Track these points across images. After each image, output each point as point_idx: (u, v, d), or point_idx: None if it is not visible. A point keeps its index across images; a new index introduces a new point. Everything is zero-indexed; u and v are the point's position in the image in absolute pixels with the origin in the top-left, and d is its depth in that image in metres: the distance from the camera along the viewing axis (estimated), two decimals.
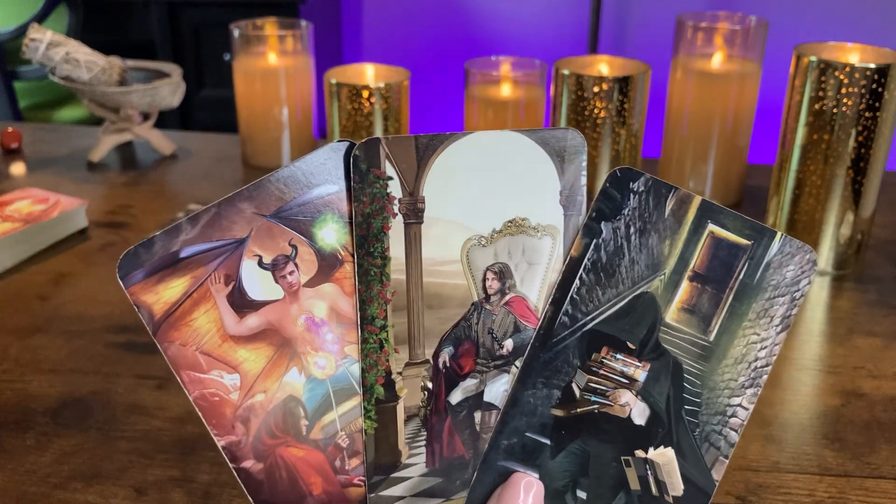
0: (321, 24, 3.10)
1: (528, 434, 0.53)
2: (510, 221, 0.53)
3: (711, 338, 0.53)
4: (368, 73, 1.28)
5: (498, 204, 0.53)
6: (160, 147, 1.48)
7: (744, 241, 0.53)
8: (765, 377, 0.52)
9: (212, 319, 0.51)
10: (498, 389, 0.54)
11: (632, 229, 0.53)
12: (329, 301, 0.52)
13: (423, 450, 0.53)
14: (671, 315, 0.53)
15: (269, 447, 0.51)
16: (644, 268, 0.53)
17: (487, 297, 0.54)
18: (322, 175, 0.52)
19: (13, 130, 1.50)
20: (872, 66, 1.00)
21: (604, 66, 1.20)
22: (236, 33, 1.40)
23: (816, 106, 1.04)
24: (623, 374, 0.53)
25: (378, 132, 1.23)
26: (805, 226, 1.09)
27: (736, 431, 0.52)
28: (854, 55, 1.08)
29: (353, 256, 0.52)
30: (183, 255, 0.50)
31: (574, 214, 0.54)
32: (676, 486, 0.52)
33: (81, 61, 1.37)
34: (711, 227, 0.53)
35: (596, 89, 1.13)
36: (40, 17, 2.65)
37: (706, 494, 0.53)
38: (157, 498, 0.72)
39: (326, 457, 0.52)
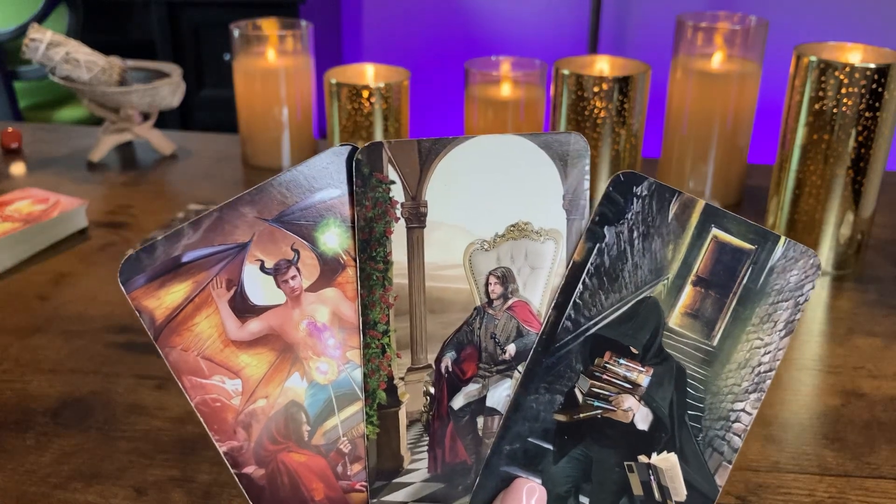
0: (321, 24, 3.10)
1: (530, 439, 0.53)
2: (513, 226, 0.53)
3: (715, 342, 0.52)
4: (368, 73, 1.28)
5: (501, 208, 0.53)
6: (160, 147, 1.48)
7: (747, 246, 0.53)
8: (768, 382, 0.52)
9: (213, 324, 0.50)
10: (500, 394, 0.54)
11: (635, 234, 0.53)
12: (331, 306, 0.52)
13: (426, 455, 0.53)
14: (674, 320, 0.53)
15: (271, 453, 0.51)
16: (647, 272, 0.53)
17: (490, 302, 0.53)
18: (324, 179, 0.51)
19: (13, 130, 1.50)
20: (872, 66, 1.00)
21: (604, 66, 1.19)
22: (236, 33, 1.40)
23: (816, 106, 1.04)
24: (626, 379, 0.53)
25: (378, 132, 1.23)
26: (805, 226, 1.09)
27: (739, 437, 0.52)
28: (854, 55, 1.08)
29: (355, 261, 0.52)
30: (185, 259, 0.50)
31: (577, 219, 0.54)
32: (679, 492, 0.52)
33: (81, 61, 1.37)
34: (715, 231, 0.53)
35: (596, 89, 1.13)
36: (40, 17, 2.65)
37: (709, 500, 0.52)
38: (157, 498, 0.72)
39: (328, 462, 0.52)
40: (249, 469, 0.51)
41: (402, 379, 0.53)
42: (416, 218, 0.52)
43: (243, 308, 0.51)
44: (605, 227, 0.53)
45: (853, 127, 1.02)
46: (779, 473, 0.76)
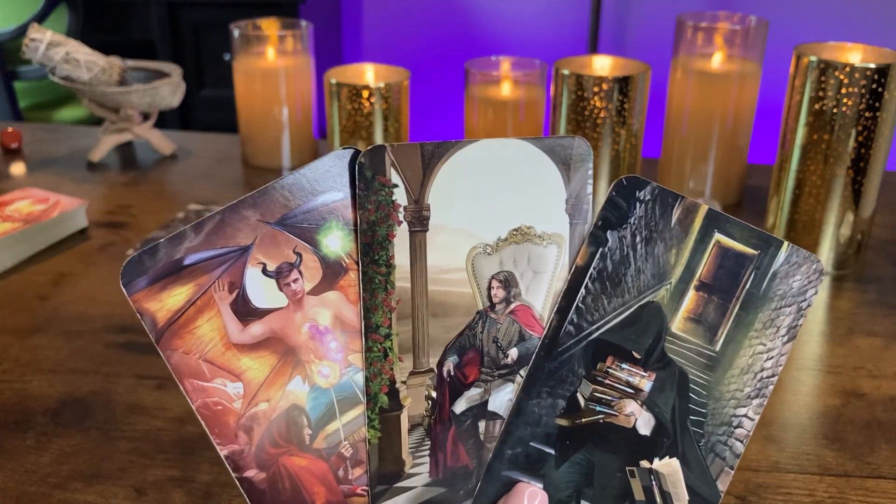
0: (321, 24, 3.10)
1: (532, 444, 0.53)
2: (516, 230, 0.53)
3: (717, 348, 0.52)
4: (368, 73, 1.28)
5: (503, 212, 0.53)
6: (160, 147, 1.48)
7: (750, 251, 0.52)
8: (771, 388, 0.52)
9: (215, 327, 0.50)
10: (502, 399, 0.53)
11: (638, 238, 0.53)
12: (333, 309, 0.52)
13: (427, 459, 0.53)
14: (677, 325, 0.53)
15: (272, 456, 0.51)
16: (650, 277, 0.53)
17: (492, 306, 0.53)
18: (327, 182, 0.51)
19: (13, 130, 1.50)
20: (872, 66, 0.99)
21: (604, 66, 1.19)
22: (236, 33, 1.40)
23: (816, 106, 1.04)
24: (628, 384, 0.52)
25: (378, 132, 1.23)
26: (805, 226, 1.09)
27: (741, 442, 0.52)
28: (854, 55, 1.08)
29: (357, 264, 0.52)
30: (187, 262, 0.50)
31: (580, 223, 0.54)
32: (681, 497, 0.52)
33: (81, 61, 1.37)
34: (718, 236, 0.53)
35: (596, 89, 1.13)
36: (40, 17, 2.65)
37: None
38: (157, 498, 0.72)
39: (330, 466, 0.52)
40: (251, 473, 0.51)
41: (403, 383, 0.53)
42: (419, 221, 0.52)
43: (245, 311, 0.51)
44: (608, 231, 0.53)
45: (853, 127, 1.02)
46: (779, 473, 0.76)
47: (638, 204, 0.53)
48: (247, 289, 0.51)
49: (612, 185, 0.53)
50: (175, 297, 0.50)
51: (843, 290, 1.07)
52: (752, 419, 0.52)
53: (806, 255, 0.52)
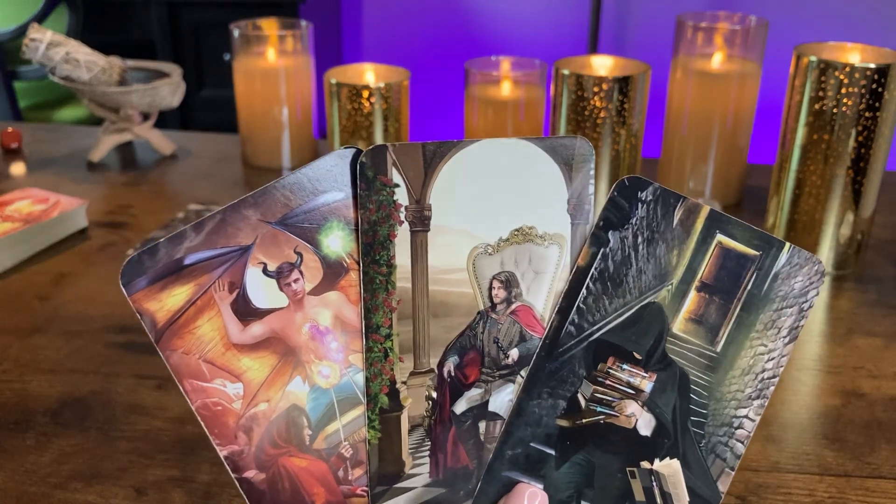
0: (321, 24, 3.10)
1: (532, 444, 0.53)
2: (517, 230, 0.53)
3: (718, 349, 0.52)
4: (368, 73, 1.28)
5: (505, 212, 0.53)
6: (160, 147, 1.48)
7: (752, 252, 0.52)
8: (772, 388, 0.52)
9: (215, 327, 0.50)
10: (503, 399, 0.53)
11: (639, 239, 0.53)
12: (334, 309, 0.52)
13: (427, 460, 0.53)
14: (678, 325, 0.53)
15: (272, 457, 0.51)
16: (651, 277, 0.53)
17: (493, 306, 0.53)
18: (328, 182, 0.51)
19: (13, 130, 1.50)
20: (872, 66, 0.99)
21: (604, 66, 1.19)
22: (236, 33, 1.40)
23: (816, 106, 1.03)
24: (629, 385, 0.52)
25: (378, 132, 1.23)
26: (805, 226, 1.09)
27: (742, 443, 0.52)
28: (854, 55, 1.08)
29: (358, 264, 0.52)
30: (187, 262, 0.50)
31: (581, 223, 0.54)
32: (682, 498, 0.52)
33: (81, 61, 1.37)
34: (720, 237, 0.52)
35: (596, 89, 1.13)
36: (40, 17, 2.64)
37: None
38: (157, 498, 0.72)
39: (329, 467, 0.52)
40: (250, 473, 0.51)
41: (404, 383, 0.53)
42: (420, 221, 0.52)
43: (245, 311, 0.51)
44: (610, 231, 0.53)
45: (853, 127, 1.02)
46: (779, 473, 0.76)
47: (640, 204, 0.53)
48: (247, 289, 0.51)
49: (613, 186, 0.53)
50: (175, 297, 0.50)
51: (843, 290, 1.07)
52: (752, 420, 0.52)
53: (807, 256, 0.52)
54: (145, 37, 3.07)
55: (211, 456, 0.76)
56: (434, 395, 0.53)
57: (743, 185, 1.32)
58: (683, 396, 0.52)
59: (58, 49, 1.36)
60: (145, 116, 1.49)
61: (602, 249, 0.53)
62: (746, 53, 1.25)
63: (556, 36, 3.23)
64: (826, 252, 1.09)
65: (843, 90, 1.01)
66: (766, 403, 0.52)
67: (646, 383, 0.52)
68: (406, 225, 0.52)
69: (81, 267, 1.10)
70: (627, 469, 0.52)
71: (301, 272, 0.51)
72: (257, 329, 0.51)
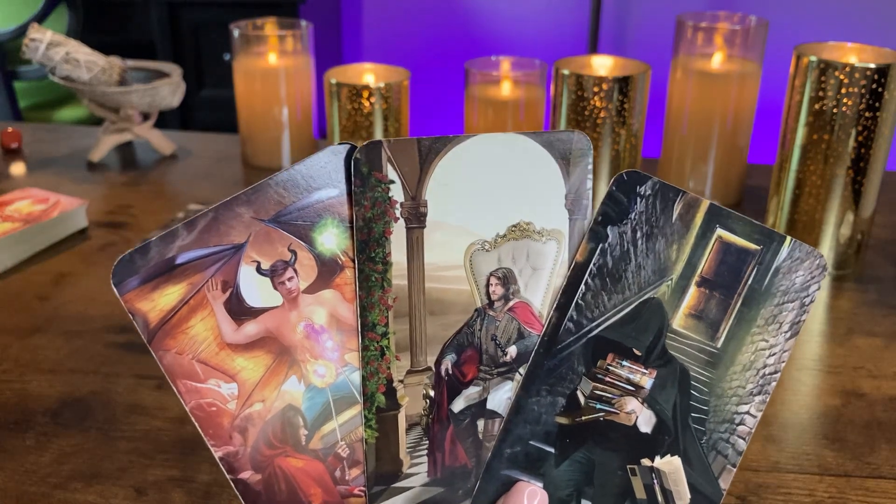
0: (321, 24, 3.10)
1: (531, 442, 0.52)
2: (514, 226, 0.52)
3: (719, 344, 0.52)
4: (368, 73, 1.27)
5: (502, 208, 0.52)
6: (160, 147, 1.47)
7: (752, 246, 0.52)
8: (773, 384, 0.52)
9: (209, 327, 0.50)
10: (501, 397, 0.53)
11: (638, 234, 0.52)
12: (329, 307, 0.51)
13: (425, 459, 0.53)
14: (678, 321, 0.52)
15: (268, 458, 0.51)
16: (651, 273, 0.52)
17: (491, 303, 0.53)
18: (322, 178, 0.51)
19: (13, 130, 1.49)
20: (872, 66, 0.99)
21: (604, 66, 1.19)
22: (236, 33, 1.39)
23: (816, 106, 1.03)
24: (629, 382, 0.52)
25: (378, 132, 1.22)
26: (805, 226, 1.09)
27: (744, 439, 0.52)
28: (854, 55, 1.08)
29: (353, 262, 0.51)
30: (179, 261, 0.49)
31: (579, 218, 0.53)
32: (683, 496, 0.52)
33: (81, 61, 1.36)
34: (720, 231, 0.52)
35: (596, 89, 1.13)
36: (40, 17, 2.65)
37: (713, 503, 0.52)
38: (157, 498, 0.72)
39: (326, 467, 0.51)
40: (246, 474, 0.50)
41: (401, 382, 0.52)
42: (416, 218, 0.51)
43: (239, 310, 0.50)
44: (608, 227, 0.52)
45: (853, 127, 1.02)
46: (779, 473, 0.75)
47: (638, 199, 0.52)
48: (241, 287, 0.50)
49: (612, 180, 0.52)
50: (167, 296, 0.49)
51: (843, 290, 1.07)
52: (754, 416, 0.52)
53: (809, 250, 0.52)
54: (145, 37, 3.07)
55: (210, 456, 0.75)
56: (431, 393, 0.53)
57: (743, 185, 1.32)
58: (684, 393, 0.52)
59: (58, 49, 1.36)
60: (145, 116, 1.48)
61: (601, 245, 0.52)
62: (746, 53, 1.25)
63: (556, 36, 3.23)
64: (826, 252, 1.08)
65: (843, 90, 1.01)
66: (767, 399, 0.52)
67: (646, 380, 0.52)
68: (402, 221, 0.51)
69: (81, 267, 1.10)
70: (628, 466, 0.52)
71: (295, 270, 0.51)
72: (251, 328, 0.50)
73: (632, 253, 0.52)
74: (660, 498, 0.52)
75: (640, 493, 0.52)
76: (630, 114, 1.15)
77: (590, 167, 0.53)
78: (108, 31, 3.18)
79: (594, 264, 0.52)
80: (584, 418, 0.52)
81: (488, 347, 0.53)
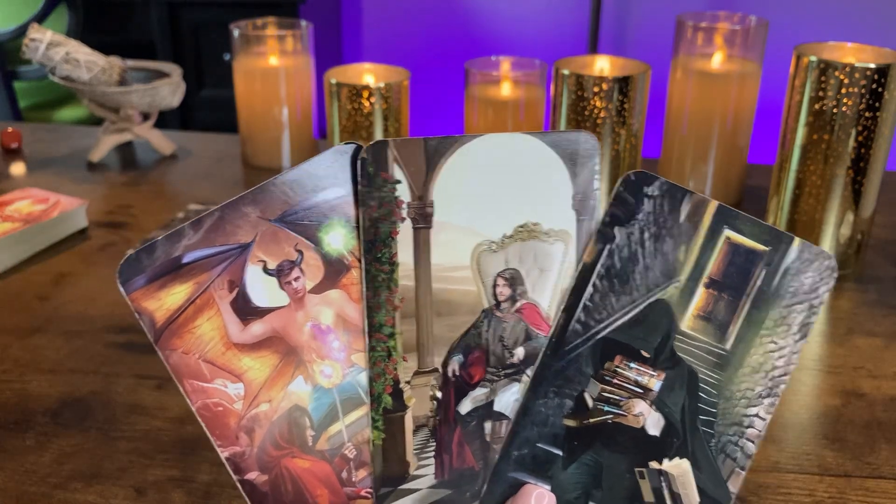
0: (321, 24, 3.09)
1: (539, 445, 0.52)
2: (521, 226, 0.52)
3: (728, 346, 0.52)
4: (368, 74, 1.27)
5: (509, 208, 0.52)
6: (160, 147, 1.47)
7: (761, 247, 0.52)
8: (783, 386, 0.51)
9: (215, 327, 0.50)
10: (508, 399, 0.53)
11: (646, 235, 0.52)
12: (335, 308, 0.51)
13: (432, 461, 0.53)
14: (686, 323, 0.52)
15: (274, 458, 0.50)
16: (659, 274, 0.52)
17: (498, 304, 0.53)
18: (329, 179, 0.50)
19: (13, 130, 1.49)
20: (872, 66, 0.99)
21: (604, 66, 1.19)
22: (236, 33, 1.39)
23: (816, 106, 1.03)
24: (637, 384, 0.52)
25: (378, 132, 1.22)
26: (805, 226, 1.08)
27: (753, 442, 0.51)
28: (854, 55, 1.08)
29: (360, 262, 0.51)
30: (185, 260, 0.49)
31: (587, 219, 0.53)
32: (692, 499, 0.51)
33: (81, 61, 1.36)
34: (728, 232, 0.52)
35: (596, 89, 1.13)
36: (40, 17, 2.64)
37: None
38: (157, 498, 0.71)
39: (333, 468, 0.51)
40: (252, 475, 0.50)
41: (408, 383, 0.52)
42: (423, 218, 0.51)
43: (246, 310, 0.50)
44: (616, 227, 0.52)
45: (853, 127, 1.02)
46: (779, 473, 0.75)
47: (646, 199, 0.52)
48: (247, 287, 0.50)
49: (619, 181, 0.52)
50: (174, 295, 0.49)
51: (843, 290, 1.07)
52: (763, 419, 0.51)
53: (818, 251, 0.51)
54: (145, 37, 3.07)
55: (211, 456, 0.76)
56: (439, 394, 0.52)
57: (743, 185, 1.32)
58: (692, 395, 0.51)
59: (58, 49, 1.36)
60: (145, 116, 1.48)
61: (608, 246, 0.52)
62: (746, 53, 1.24)
63: (556, 36, 3.23)
64: None
65: (843, 90, 1.01)
66: (777, 402, 0.52)
67: (654, 382, 0.52)
68: (408, 222, 0.51)
69: (81, 267, 1.09)
70: (636, 469, 0.52)
71: (302, 270, 0.51)
72: (258, 328, 0.50)
73: (639, 254, 0.52)
74: (668, 501, 0.52)
75: (648, 497, 0.52)
76: (630, 114, 1.14)
77: (597, 168, 0.53)
78: (108, 31, 3.17)
79: (602, 265, 0.52)
80: (591, 420, 0.52)
81: (495, 349, 0.53)
